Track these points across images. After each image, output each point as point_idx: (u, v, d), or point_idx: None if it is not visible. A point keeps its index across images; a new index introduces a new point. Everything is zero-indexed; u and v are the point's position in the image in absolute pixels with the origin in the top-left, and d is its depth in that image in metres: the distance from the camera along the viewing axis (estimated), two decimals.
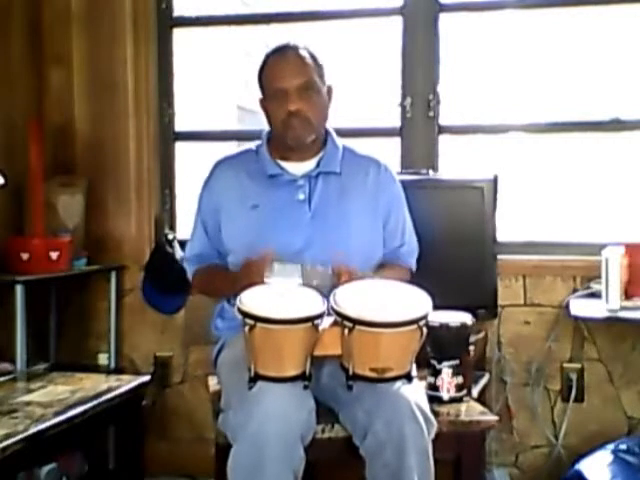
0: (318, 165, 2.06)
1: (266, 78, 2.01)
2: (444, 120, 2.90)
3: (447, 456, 1.82)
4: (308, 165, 2.06)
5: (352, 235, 2.00)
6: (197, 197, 2.15)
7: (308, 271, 1.85)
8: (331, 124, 2.13)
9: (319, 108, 2.01)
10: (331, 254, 1.88)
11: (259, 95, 2.07)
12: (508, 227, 2.70)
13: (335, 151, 2.09)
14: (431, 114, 2.88)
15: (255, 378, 1.67)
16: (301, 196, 2.02)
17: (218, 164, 2.14)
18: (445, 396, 1.91)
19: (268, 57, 2.03)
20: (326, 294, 1.74)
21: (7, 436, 1.97)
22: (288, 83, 1.95)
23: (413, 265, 2.19)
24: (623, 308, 2.36)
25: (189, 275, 2.18)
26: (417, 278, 2.09)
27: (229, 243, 2.06)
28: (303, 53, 1.99)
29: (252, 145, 2.14)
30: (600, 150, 3.05)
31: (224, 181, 2.09)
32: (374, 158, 2.14)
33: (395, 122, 2.93)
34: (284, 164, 2.06)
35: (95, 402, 2.32)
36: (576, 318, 2.53)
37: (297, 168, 2.06)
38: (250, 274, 1.84)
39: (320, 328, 1.66)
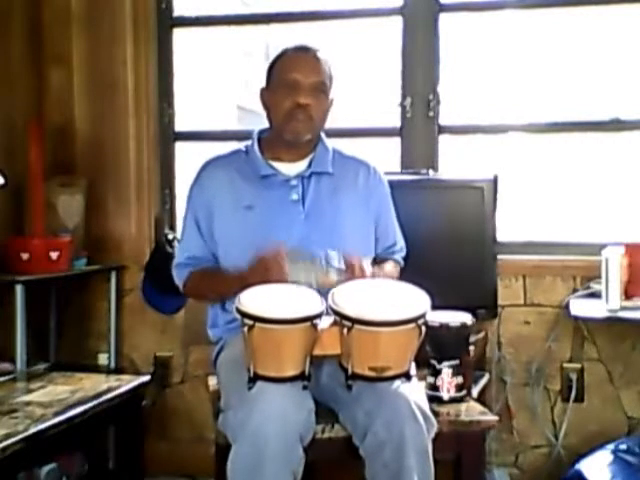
0: (310, 165, 2.07)
1: (281, 67, 2.02)
2: (444, 120, 2.90)
3: (447, 456, 1.82)
4: (300, 165, 2.07)
5: (346, 234, 2.01)
6: (186, 199, 2.13)
7: (323, 261, 1.85)
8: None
9: (323, 112, 2.03)
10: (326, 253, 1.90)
11: (263, 85, 2.07)
12: (508, 227, 2.70)
13: (326, 152, 2.10)
14: (431, 114, 2.88)
15: (254, 378, 1.67)
16: (295, 196, 2.03)
17: (207, 164, 2.13)
18: (445, 396, 1.91)
19: (287, 50, 2.04)
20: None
21: (7, 436, 1.97)
22: (304, 77, 1.97)
23: (402, 262, 2.22)
24: (623, 308, 2.36)
25: (178, 280, 2.13)
26: (417, 278, 2.09)
27: (223, 244, 2.05)
28: (322, 57, 2.02)
29: (241, 146, 2.14)
30: (600, 150, 3.05)
31: (215, 181, 2.08)
32: (363, 160, 2.15)
33: (395, 122, 2.92)
34: (276, 164, 2.06)
35: (95, 402, 2.32)
36: (576, 318, 2.53)
37: (289, 168, 2.06)
38: (268, 268, 1.82)
39: (319, 328, 1.66)
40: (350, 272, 1.84)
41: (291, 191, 2.03)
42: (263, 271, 1.83)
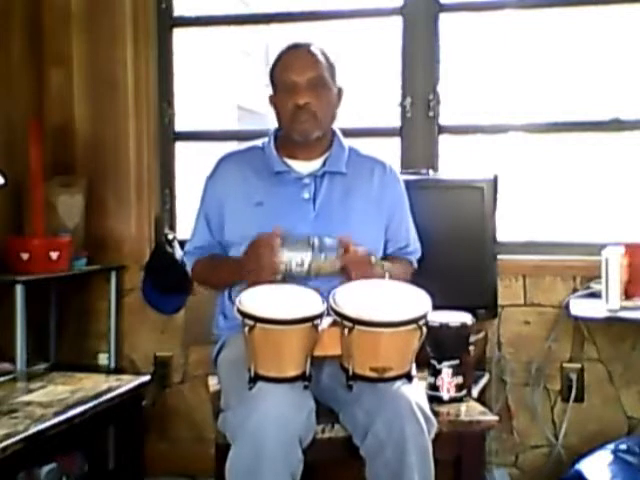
0: (324, 164, 2.07)
1: (277, 72, 2.03)
2: (444, 120, 2.90)
3: (447, 456, 1.81)
4: (314, 164, 2.07)
5: (355, 235, 2.00)
6: (201, 191, 2.15)
7: (317, 245, 1.86)
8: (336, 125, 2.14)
9: (327, 105, 2.02)
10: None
11: (269, 92, 2.08)
12: (508, 227, 2.70)
13: (341, 151, 2.09)
14: (431, 114, 2.88)
15: (255, 378, 1.67)
16: (306, 195, 2.03)
17: (223, 159, 2.14)
18: (445, 396, 1.90)
19: (281, 52, 2.05)
20: (334, 270, 1.82)
21: (7, 436, 1.96)
22: (298, 76, 1.97)
23: (416, 264, 2.21)
24: (623, 308, 2.36)
25: (188, 267, 2.17)
26: (417, 278, 2.10)
27: (232, 238, 2.06)
28: (315, 50, 2.01)
29: (258, 142, 2.15)
30: (600, 150, 3.05)
31: (229, 176, 2.09)
32: (379, 159, 2.15)
33: (395, 122, 2.93)
34: (290, 162, 2.06)
35: (95, 402, 2.32)
36: (576, 318, 2.53)
37: (303, 167, 2.06)
38: (260, 251, 1.84)
39: (320, 328, 1.66)
40: (345, 254, 1.85)
41: (303, 189, 2.03)
42: (255, 254, 1.85)
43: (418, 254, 2.22)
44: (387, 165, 2.15)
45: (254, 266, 1.85)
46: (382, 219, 2.10)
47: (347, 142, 2.13)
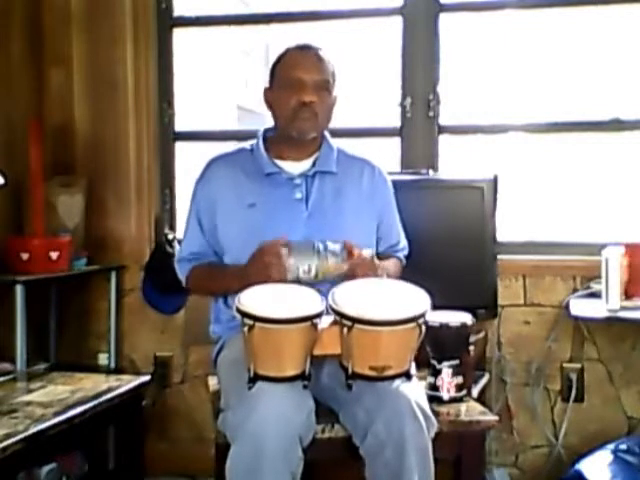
0: (314, 165, 2.07)
1: (284, 67, 2.03)
2: (444, 120, 2.90)
3: (447, 456, 1.82)
4: (304, 164, 2.07)
5: (348, 234, 2.00)
6: (191, 195, 2.14)
7: (322, 250, 1.86)
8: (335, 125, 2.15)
9: (327, 109, 2.04)
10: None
11: (266, 85, 2.08)
12: (508, 227, 2.70)
13: (330, 152, 2.10)
14: (431, 114, 2.88)
15: (254, 378, 1.66)
16: (298, 195, 2.03)
17: (212, 161, 2.13)
18: (445, 396, 1.90)
19: (290, 49, 2.05)
20: (340, 274, 1.83)
21: (7, 436, 1.97)
22: (308, 75, 1.98)
23: (404, 261, 2.23)
24: (623, 308, 2.36)
25: (181, 275, 2.14)
26: (417, 278, 2.09)
27: (225, 242, 2.05)
28: (324, 55, 2.03)
29: (246, 144, 2.14)
30: (600, 150, 3.05)
31: (220, 179, 2.08)
32: (367, 160, 2.16)
33: (395, 122, 2.93)
34: (281, 163, 2.07)
35: (95, 402, 2.32)
36: (576, 318, 2.53)
37: (294, 167, 2.06)
38: (267, 260, 1.83)
39: (319, 327, 1.66)
40: (350, 258, 1.86)
41: (295, 190, 2.03)
42: (262, 263, 1.84)
43: (406, 251, 2.24)
44: (376, 167, 2.16)
45: (262, 276, 1.83)
46: (373, 218, 2.12)
47: (335, 142, 2.14)
